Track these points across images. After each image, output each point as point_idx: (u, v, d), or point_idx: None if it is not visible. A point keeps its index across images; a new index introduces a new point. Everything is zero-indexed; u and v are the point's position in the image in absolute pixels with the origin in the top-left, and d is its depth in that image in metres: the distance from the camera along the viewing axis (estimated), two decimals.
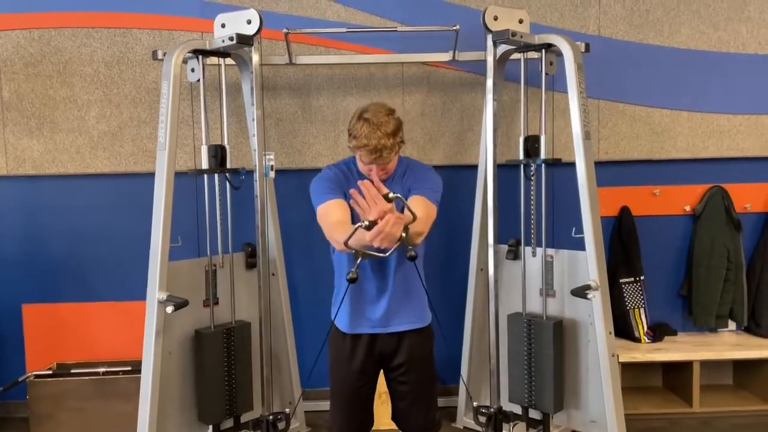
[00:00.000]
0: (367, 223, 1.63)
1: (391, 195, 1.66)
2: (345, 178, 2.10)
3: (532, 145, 2.89)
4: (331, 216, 1.97)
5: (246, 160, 3.26)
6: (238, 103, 3.21)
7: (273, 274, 3.07)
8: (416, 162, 2.20)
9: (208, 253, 2.85)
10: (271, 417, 2.83)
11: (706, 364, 3.39)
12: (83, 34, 3.32)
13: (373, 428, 2.27)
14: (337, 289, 2.22)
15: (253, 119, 2.89)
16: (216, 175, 2.86)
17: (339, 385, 2.18)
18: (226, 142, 2.86)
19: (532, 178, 2.91)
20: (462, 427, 3.27)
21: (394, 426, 2.30)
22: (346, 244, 1.74)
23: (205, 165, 2.79)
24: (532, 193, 2.92)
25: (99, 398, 3.15)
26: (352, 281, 1.81)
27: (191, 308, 2.65)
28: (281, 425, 2.85)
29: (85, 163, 3.37)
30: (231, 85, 3.05)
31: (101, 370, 3.23)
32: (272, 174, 3.02)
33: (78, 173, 3.38)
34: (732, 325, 3.61)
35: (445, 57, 3.16)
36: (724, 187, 3.53)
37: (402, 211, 1.74)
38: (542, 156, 2.85)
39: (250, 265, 3.04)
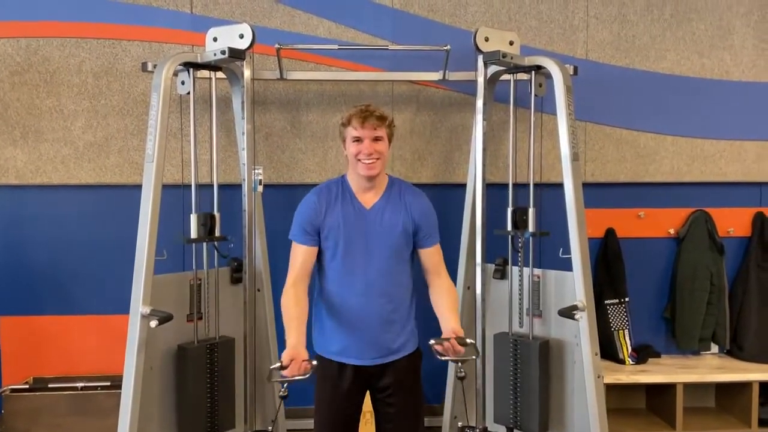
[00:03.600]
0: (279, 365, 1.97)
1: (468, 341, 2.04)
2: (326, 203, 2.10)
3: (520, 217, 2.92)
4: (291, 269, 2.12)
5: (234, 174, 3.24)
6: (227, 117, 3.20)
7: (258, 290, 3.03)
8: (409, 185, 2.20)
9: (194, 267, 2.82)
10: None
11: (689, 387, 3.40)
12: (72, 44, 3.30)
13: None
14: (317, 314, 2.18)
15: (243, 133, 2.88)
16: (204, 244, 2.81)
17: (324, 405, 2.15)
18: (214, 156, 2.85)
19: (520, 249, 2.93)
20: None
21: None
22: (268, 379, 2.03)
23: (194, 234, 2.75)
24: (519, 261, 2.94)
25: (76, 414, 3.08)
26: (283, 399, 2.02)
27: (174, 323, 2.60)
28: None
29: (70, 173, 3.33)
30: (220, 98, 3.04)
31: (79, 385, 3.17)
32: (260, 188, 3.00)
33: (62, 184, 3.34)
34: (714, 348, 3.63)
35: (435, 76, 3.18)
36: (708, 211, 3.58)
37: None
38: (530, 229, 2.87)
39: (236, 280, 3.00)
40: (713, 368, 3.47)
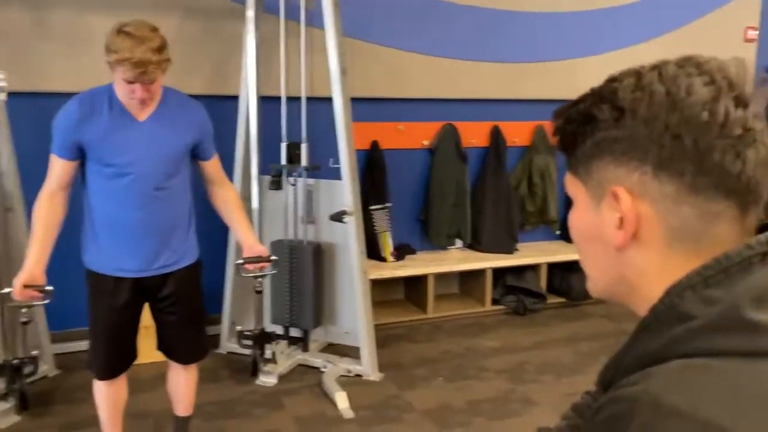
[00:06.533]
0: (8, 290, 1.90)
1: (272, 258, 2.24)
2: (90, 114, 1.94)
3: (293, 152, 3.04)
4: (48, 181, 1.99)
5: None
6: None
7: (9, 209, 2.75)
8: (185, 96, 2.14)
9: None
10: (16, 362, 2.60)
11: (438, 277, 3.96)
12: None
13: (136, 362, 2.23)
14: (88, 229, 2.06)
15: None
16: None
17: (100, 321, 2.09)
18: None
19: (294, 185, 3.08)
20: (225, 353, 3.37)
21: (157, 359, 2.29)
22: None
23: None
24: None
25: None
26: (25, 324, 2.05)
27: None
28: (28, 369, 2.64)
29: None
30: None
31: None
32: (3, 96, 2.66)
33: None
34: (459, 243, 4.24)
35: None
36: (455, 125, 4.06)
37: None
38: (303, 163, 3.02)
39: None
40: (457, 260, 4.07)
